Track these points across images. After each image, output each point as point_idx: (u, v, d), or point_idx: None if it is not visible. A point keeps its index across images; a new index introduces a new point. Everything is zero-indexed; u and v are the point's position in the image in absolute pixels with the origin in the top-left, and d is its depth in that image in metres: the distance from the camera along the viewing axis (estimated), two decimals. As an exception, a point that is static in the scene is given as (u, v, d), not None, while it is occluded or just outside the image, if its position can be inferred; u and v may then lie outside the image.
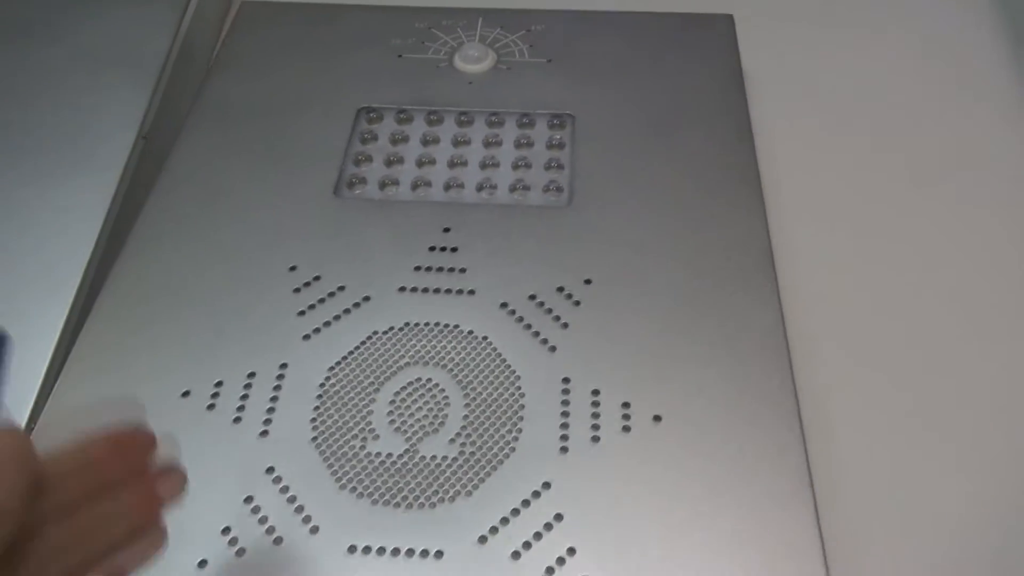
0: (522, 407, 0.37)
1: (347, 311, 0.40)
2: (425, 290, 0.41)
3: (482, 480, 0.35)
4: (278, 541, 0.33)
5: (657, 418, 0.36)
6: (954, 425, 0.41)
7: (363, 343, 0.39)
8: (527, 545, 0.33)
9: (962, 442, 0.41)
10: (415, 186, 0.47)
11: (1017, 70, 0.57)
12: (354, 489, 0.35)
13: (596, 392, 0.37)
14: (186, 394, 0.38)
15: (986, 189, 0.51)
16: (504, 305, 0.40)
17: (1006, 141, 0.53)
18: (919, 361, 0.43)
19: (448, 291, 0.41)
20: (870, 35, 0.60)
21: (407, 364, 0.39)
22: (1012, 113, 0.55)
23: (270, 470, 0.35)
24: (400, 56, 0.53)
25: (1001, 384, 0.43)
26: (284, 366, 0.39)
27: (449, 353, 0.39)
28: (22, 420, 0.38)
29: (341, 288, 0.41)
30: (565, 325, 0.40)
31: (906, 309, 0.45)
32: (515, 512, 0.34)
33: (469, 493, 0.35)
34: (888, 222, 0.49)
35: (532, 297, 0.41)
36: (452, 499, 0.34)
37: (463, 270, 0.42)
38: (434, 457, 0.36)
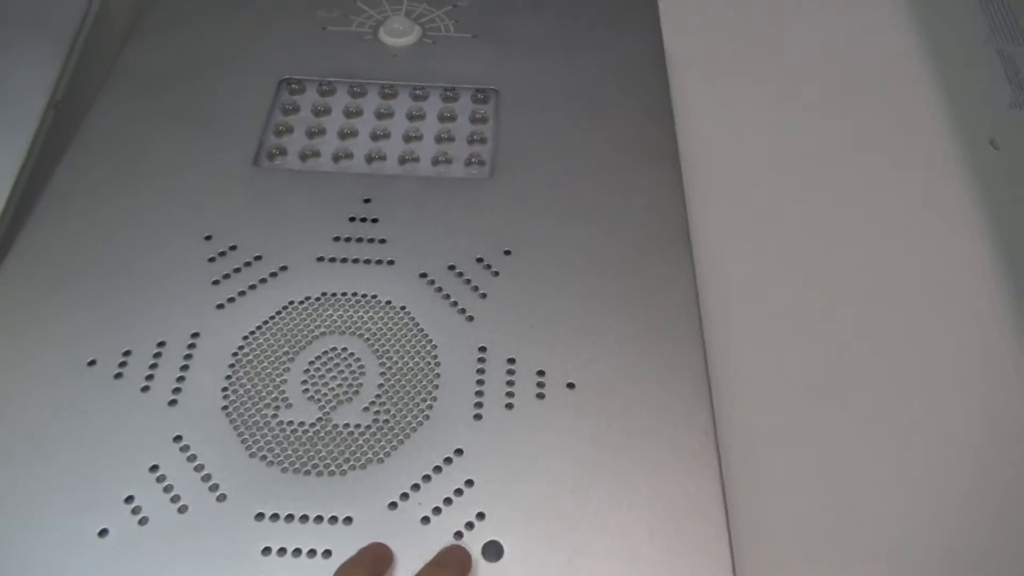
0: (438, 376, 0.37)
1: (263, 280, 0.40)
2: (344, 260, 0.41)
3: (395, 448, 0.35)
4: (183, 509, 0.33)
5: (571, 385, 0.37)
6: (859, 395, 0.43)
7: (279, 312, 0.39)
8: (437, 510, 0.33)
9: (866, 411, 0.42)
10: (336, 158, 0.46)
11: (924, 65, 0.59)
12: (264, 457, 0.34)
13: (512, 360, 0.37)
14: (92, 363, 0.37)
15: (896, 171, 0.53)
16: (423, 275, 0.40)
17: (914, 132, 0.55)
18: (830, 333, 0.45)
19: (367, 261, 0.41)
20: (792, 19, 0.61)
21: (323, 334, 0.38)
22: (923, 101, 0.57)
23: (177, 438, 0.35)
24: (324, 28, 0.52)
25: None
26: (196, 335, 0.38)
27: (366, 323, 0.39)
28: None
29: (258, 258, 0.41)
30: (483, 295, 0.40)
31: (819, 283, 0.47)
32: (426, 478, 0.34)
33: (381, 460, 0.34)
34: (803, 201, 0.50)
35: (451, 267, 0.41)
36: (364, 466, 0.34)
37: (383, 240, 0.42)
38: (347, 425, 0.35)
